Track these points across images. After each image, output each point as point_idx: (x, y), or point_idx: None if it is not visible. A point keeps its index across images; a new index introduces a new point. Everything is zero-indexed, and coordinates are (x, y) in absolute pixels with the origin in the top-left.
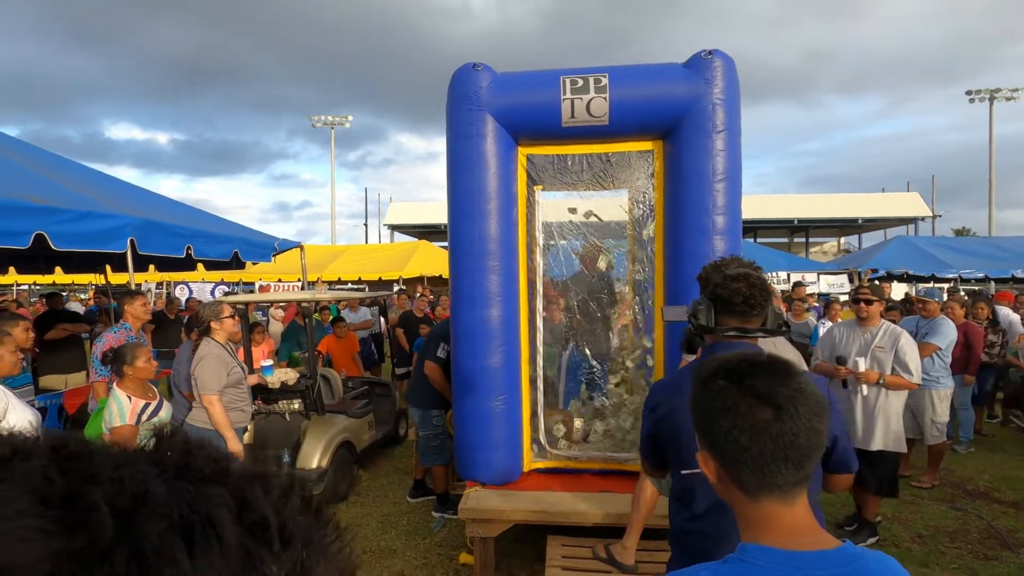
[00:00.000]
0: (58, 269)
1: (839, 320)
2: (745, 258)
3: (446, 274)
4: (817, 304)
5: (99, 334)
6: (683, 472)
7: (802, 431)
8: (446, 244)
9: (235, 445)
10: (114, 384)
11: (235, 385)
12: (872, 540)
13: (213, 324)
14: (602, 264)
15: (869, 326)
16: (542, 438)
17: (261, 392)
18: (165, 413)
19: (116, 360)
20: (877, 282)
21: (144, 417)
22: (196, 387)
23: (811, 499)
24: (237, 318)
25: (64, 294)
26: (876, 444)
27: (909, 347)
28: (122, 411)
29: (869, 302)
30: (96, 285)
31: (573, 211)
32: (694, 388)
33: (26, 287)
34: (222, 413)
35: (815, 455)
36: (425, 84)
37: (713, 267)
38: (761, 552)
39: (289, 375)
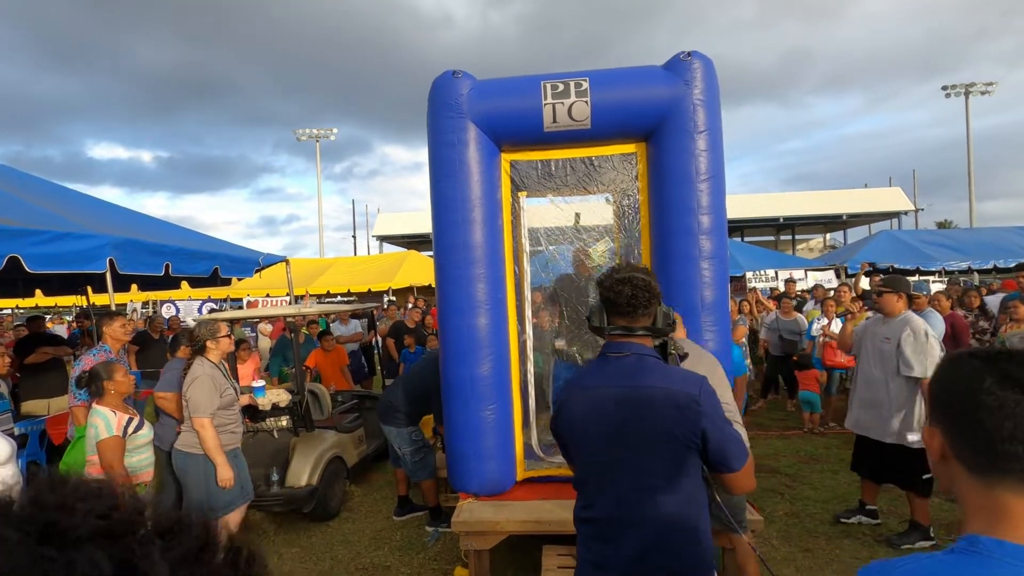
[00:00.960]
0: (39, 292)
1: (833, 314)
2: (733, 256)
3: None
4: (810, 296)
5: (80, 357)
6: (578, 463)
7: None
8: (433, 254)
9: (225, 472)
10: (94, 404)
11: (227, 407)
12: (924, 544)
13: (209, 343)
14: (599, 258)
15: (889, 318)
16: (535, 446)
17: (248, 409)
18: (147, 430)
19: (93, 379)
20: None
21: (130, 430)
22: (187, 409)
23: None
24: (232, 336)
25: (48, 316)
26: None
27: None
28: (108, 424)
29: (879, 294)
30: (79, 307)
31: (578, 217)
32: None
33: (9, 311)
34: (214, 436)
35: None
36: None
37: (607, 273)
38: (996, 545)
39: (281, 396)
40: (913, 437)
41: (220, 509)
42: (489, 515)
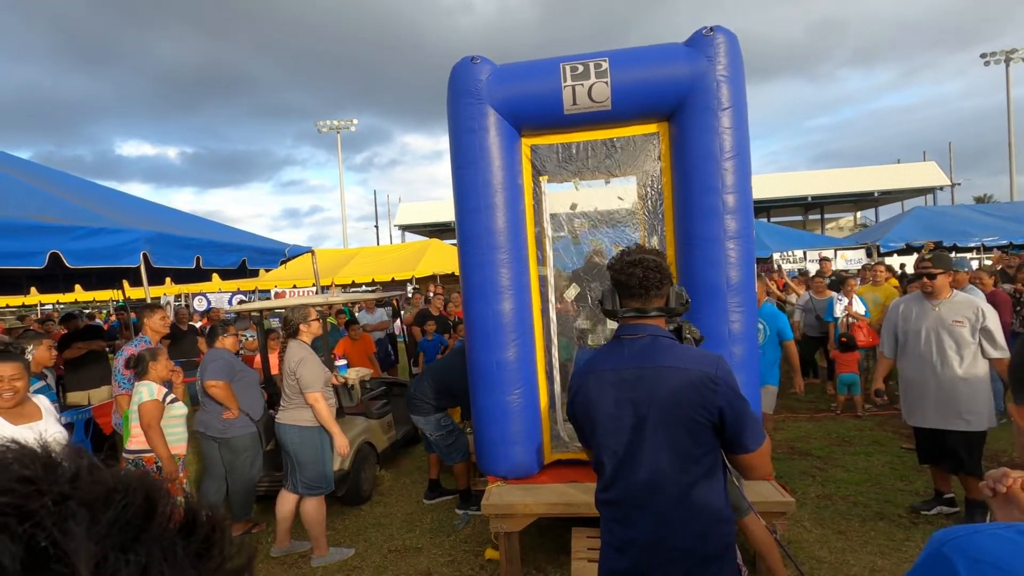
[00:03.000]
0: (78, 287)
1: (854, 295)
2: (760, 238)
3: (458, 271)
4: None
5: (120, 348)
6: (596, 446)
7: None
8: (456, 241)
9: (342, 439)
10: (137, 381)
11: (327, 383)
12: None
13: (302, 327)
14: (597, 258)
15: (938, 299)
16: (561, 431)
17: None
18: (181, 405)
19: (139, 361)
20: (942, 251)
21: (167, 401)
22: (299, 386)
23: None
24: (321, 320)
25: (88, 311)
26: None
27: (993, 320)
28: (151, 391)
29: (932, 276)
30: (116, 301)
31: (574, 207)
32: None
33: (51, 306)
34: (327, 408)
35: None
36: (428, 82)
37: (617, 257)
38: None
39: (363, 372)
40: (982, 420)
41: (327, 484)
42: (518, 498)
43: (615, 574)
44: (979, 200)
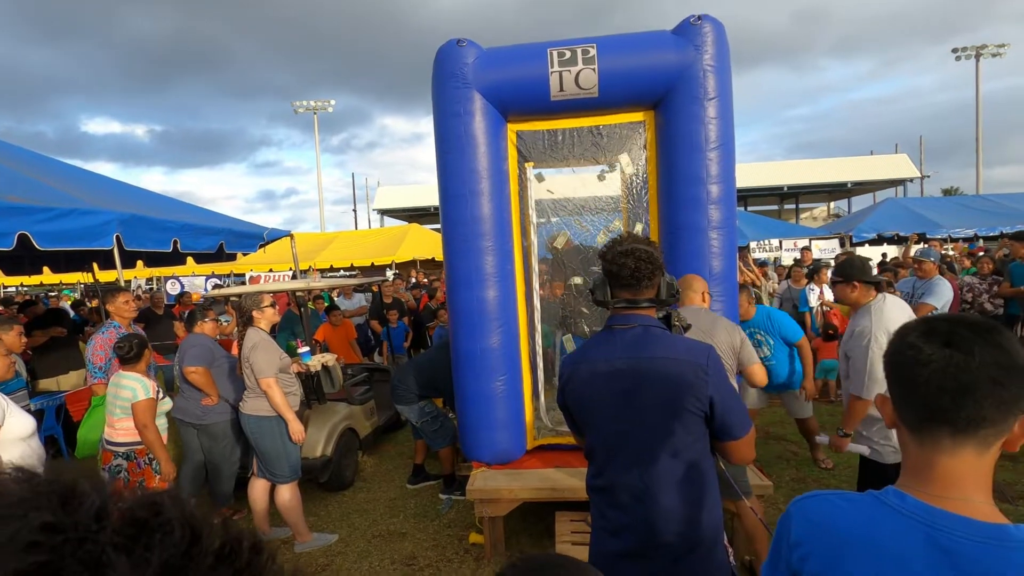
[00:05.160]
0: (46, 269)
1: (825, 285)
2: (741, 226)
3: (439, 256)
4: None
5: (90, 336)
6: (588, 433)
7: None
8: (437, 226)
9: (296, 425)
10: (125, 370)
11: (285, 371)
12: None
13: (255, 313)
14: (559, 242)
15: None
16: (545, 416)
17: None
18: (167, 399)
19: (135, 347)
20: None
21: (159, 398)
22: (252, 373)
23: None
24: (277, 307)
25: (53, 294)
26: None
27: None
28: (145, 388)
29: (833, 284)
30: (84, 284)
31: (540, 178)
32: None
33: (14, 288)
34: (282, 394)
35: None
36: (409, 62)
37: (609, 245)
38: (897, 497)
39: (327, 358)
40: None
41: (297, 466)
42: (503, 483)
43: (609, 556)
44: (947, 192)
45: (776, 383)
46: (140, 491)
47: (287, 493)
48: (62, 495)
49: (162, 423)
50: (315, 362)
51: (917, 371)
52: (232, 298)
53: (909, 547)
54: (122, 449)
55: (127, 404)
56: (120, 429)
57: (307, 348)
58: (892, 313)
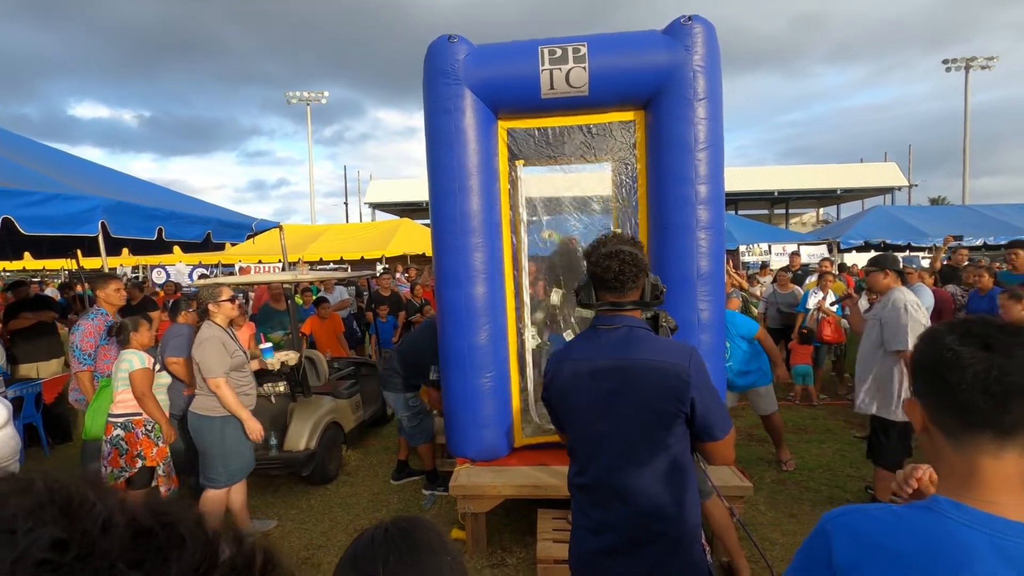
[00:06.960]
0: (27, 255)
1: (830, 290)
2: (727, 229)
3: (429, 252)
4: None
5: (76, 323)
6: (571, 432)
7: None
8: (429, 221)
9: (253, 424)
10: (122, 350)
11: (238, 369)
12: None
13: (211, 307)
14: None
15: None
16: (533, 414)
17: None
18: (164, 376)
19: (122, 330)
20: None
21: (156, 369)
22: (199, 372)
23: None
24: (237, 302)
25: (38, 280)
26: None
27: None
28: (141, 359)
29: (867, 273)
30: (68, 271)
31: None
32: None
33: None
34: (232, 394)
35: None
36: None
37: (593, 246)
38: (953, 507)
39: (290, 356)
40: (888, 411)
41: (235, 473)
42: (487, 480)
43: (590, 554)
44: (934, 202)
45: (741, 383)
46: (149, 498)
47: (212, 498)
48: (63, 505)
49: (163, 398)
50: (275, 360)
51: (957, 375)
52: (243, 287)
53: (977, 558)
54: (120, 420)
55: (126, 376)
56: (120, 401)
57: (269, 345)
58: (914, 293)
